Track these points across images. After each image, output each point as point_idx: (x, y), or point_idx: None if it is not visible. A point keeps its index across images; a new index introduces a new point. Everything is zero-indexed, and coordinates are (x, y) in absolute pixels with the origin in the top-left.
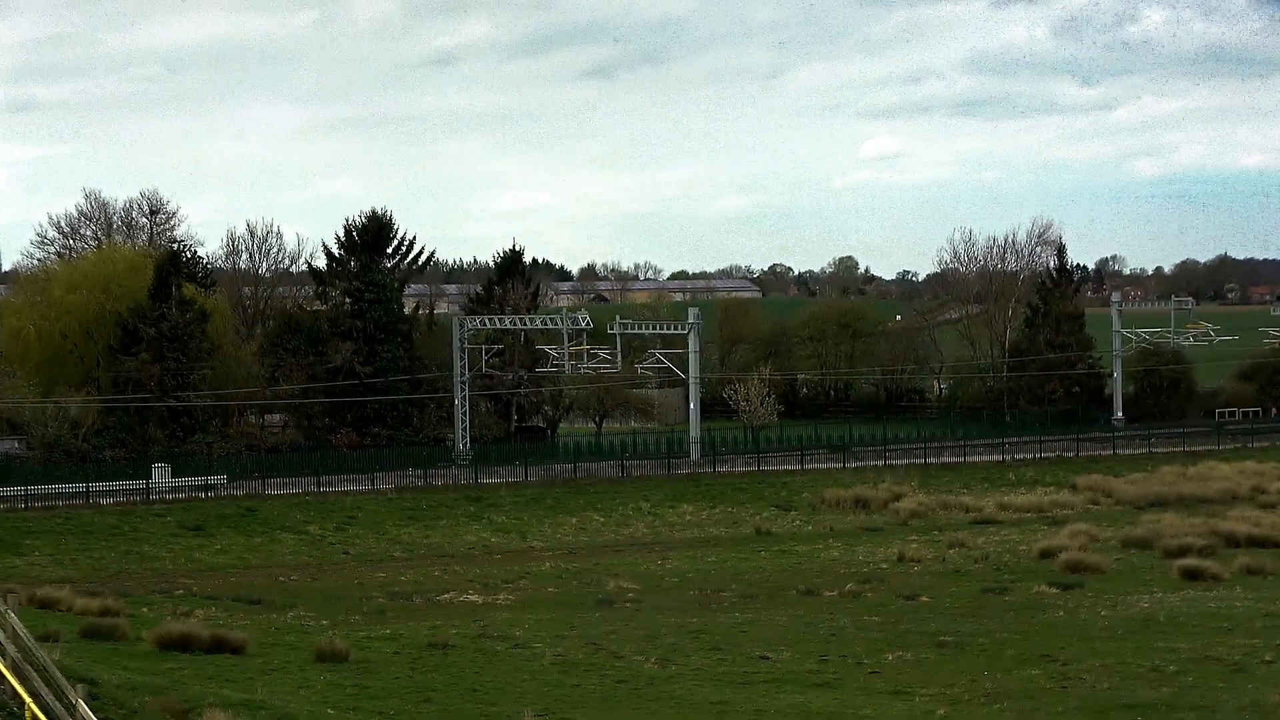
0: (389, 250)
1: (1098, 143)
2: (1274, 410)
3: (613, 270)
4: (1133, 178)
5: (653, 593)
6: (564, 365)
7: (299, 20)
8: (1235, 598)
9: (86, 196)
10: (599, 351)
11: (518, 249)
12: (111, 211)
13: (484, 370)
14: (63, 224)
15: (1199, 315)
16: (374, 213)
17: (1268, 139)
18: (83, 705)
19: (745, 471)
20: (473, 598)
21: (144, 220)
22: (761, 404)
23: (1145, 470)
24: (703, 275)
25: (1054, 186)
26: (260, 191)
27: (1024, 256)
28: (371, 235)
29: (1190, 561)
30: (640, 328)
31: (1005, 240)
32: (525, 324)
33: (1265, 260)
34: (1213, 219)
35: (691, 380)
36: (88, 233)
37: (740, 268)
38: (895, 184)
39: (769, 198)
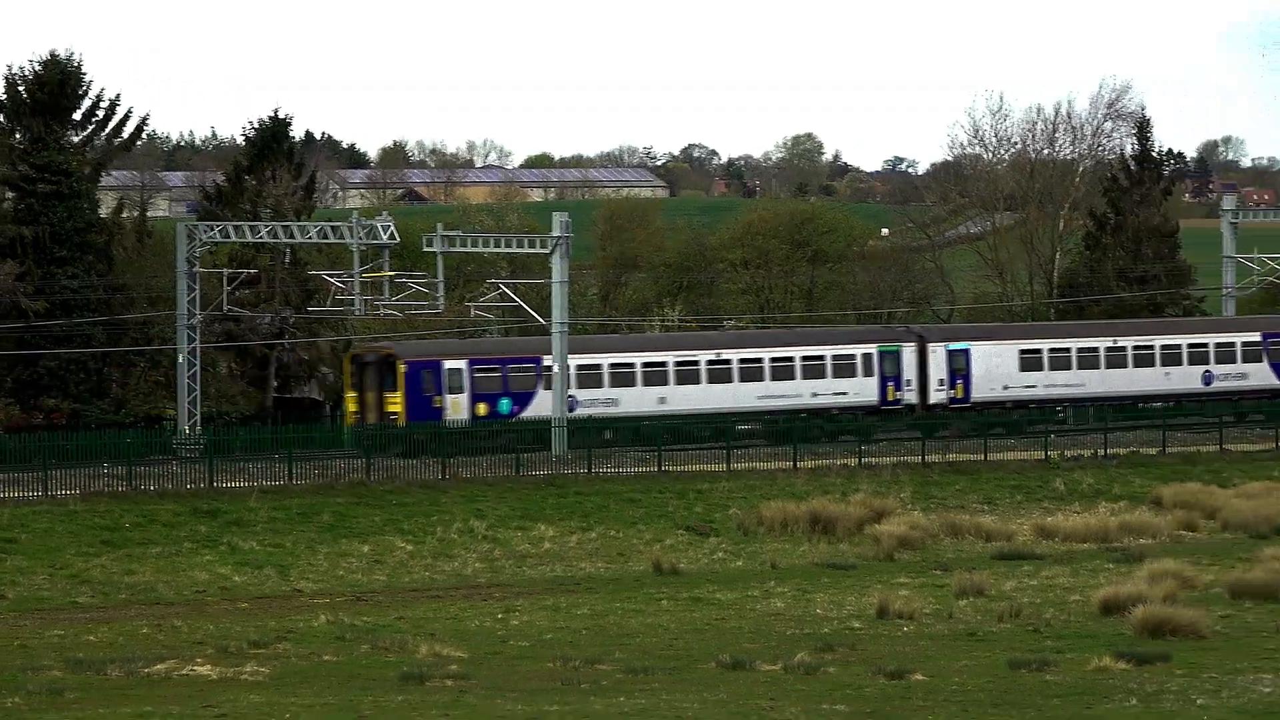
0: (76, 117)
1: None
2: None
3: (433, 153)
4: (1257, 11)
5: (489, 663)
6: (354, 301)
7: None
8: None
9: None
10: (410, 281)
11: (282, 116)
12: None
13: (227, 309)
14: None
15: None
16: (53, 57)
17: None
18: None
19: (639, 473)
20: (203, 670)
21: None
22: None
23: (1269, 477)
24: (576, 161)
25: (1132, 26)
26: None
27: (1085, 137)
28: (48, 93)
29: None
30: (476, 244)
31: (1056, 111)
32: (293, 235)
33: None
34: None
35: (556, 328)
36: None
37: (636, 150)
38: None
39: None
